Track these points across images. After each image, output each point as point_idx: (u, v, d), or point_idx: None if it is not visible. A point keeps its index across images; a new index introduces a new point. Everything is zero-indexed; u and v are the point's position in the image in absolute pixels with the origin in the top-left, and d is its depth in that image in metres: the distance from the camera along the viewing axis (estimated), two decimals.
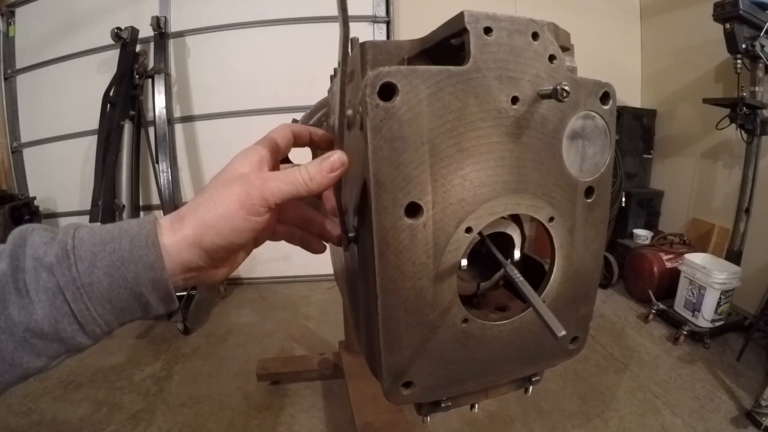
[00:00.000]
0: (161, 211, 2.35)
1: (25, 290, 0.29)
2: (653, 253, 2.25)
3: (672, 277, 2.12)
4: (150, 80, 2.36)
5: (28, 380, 0.31)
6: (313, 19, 2.46)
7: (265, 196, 0.34)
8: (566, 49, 0.42)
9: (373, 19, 2.53)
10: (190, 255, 0.33)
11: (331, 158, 0.37)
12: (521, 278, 0.37)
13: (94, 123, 2.30)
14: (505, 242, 0.48)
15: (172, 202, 2.31)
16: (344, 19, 0.30)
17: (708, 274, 1.86)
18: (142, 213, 2.54)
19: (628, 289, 2.42)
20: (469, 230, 0.39)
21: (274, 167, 0.40)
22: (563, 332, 0.30)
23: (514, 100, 0.38)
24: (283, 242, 0.44)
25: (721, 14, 1.81)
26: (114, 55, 2.35)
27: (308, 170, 0.36)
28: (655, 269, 2.20)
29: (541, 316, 0.32)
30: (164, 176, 2.32)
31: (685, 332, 1.89)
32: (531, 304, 0.34)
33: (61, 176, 2.67)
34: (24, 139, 2.70)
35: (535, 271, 0.51)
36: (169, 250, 0.32)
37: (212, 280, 0.38)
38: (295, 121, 1.03)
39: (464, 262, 0.41)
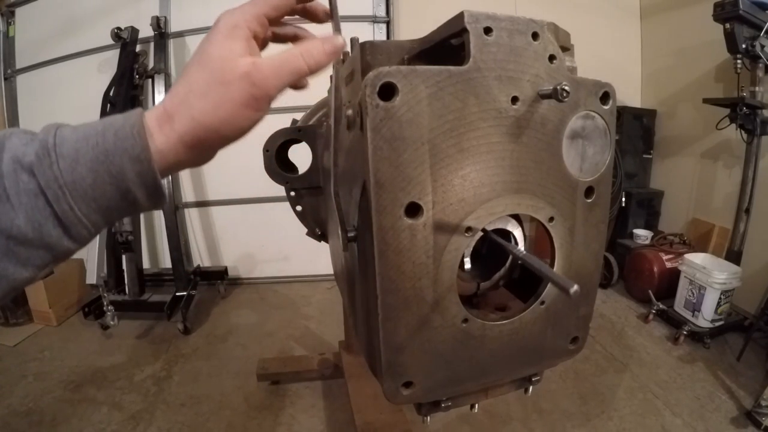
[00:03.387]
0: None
1: (5, 195, 0.27)
2: (653, 253, 2.25)
3: (672, 277, 2.12)
4: (150, 80, 2.36)
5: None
6: None
7: (270, 94, 0.33)
8: (566, 49, 0.42)
9: (373, 19, 2.53)
10: (185, 156, 0.32)
11: (334, 39, 0.34)
12: (525, 252, 0.37)
13: None
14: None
15: (172, 202, 2.31)
16: (336, 25, 0.30)
17: (708, 274, 1.86)
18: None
19: (628, 289, 2.42)
20: (469, 230, 0.39)
21: (263, 42, 0.36)
22: (575, 287, 0.30)
23: (514, 100, 0.38)
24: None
25: (721, 14, 1.81)
26: (114, 55, 2.35)
27: (312, 55, 0.34)
28: (655, 269, 2.20)
29: (552, 279, 0.32)
30: None
31: (685, 332, 1.89)
32: (539, 271, 0.34)
33: None
34: None
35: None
36: (162, 150, 0.31)
37: (196, 167, 0.36)
38: (295, 121, 1.03)
39: (467, 262, 0.41)
